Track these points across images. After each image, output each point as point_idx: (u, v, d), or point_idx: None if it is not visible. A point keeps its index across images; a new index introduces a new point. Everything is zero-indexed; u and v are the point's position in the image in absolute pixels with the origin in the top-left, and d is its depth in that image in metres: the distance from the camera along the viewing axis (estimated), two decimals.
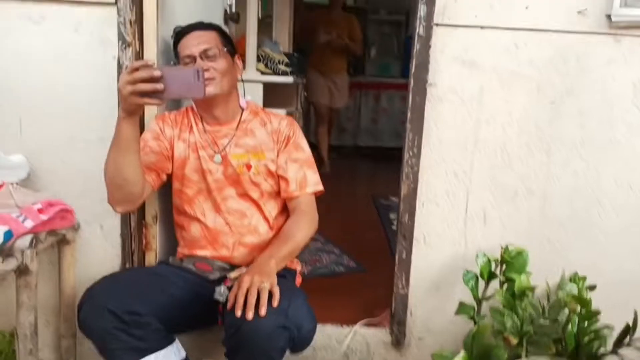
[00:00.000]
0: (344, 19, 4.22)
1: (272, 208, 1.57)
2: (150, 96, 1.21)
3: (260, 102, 2.60)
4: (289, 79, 2.78)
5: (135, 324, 1.29)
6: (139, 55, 1.47)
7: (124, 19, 1.44)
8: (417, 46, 1.51)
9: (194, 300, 1.45)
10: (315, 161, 1.63)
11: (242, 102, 1.60)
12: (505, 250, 1.60)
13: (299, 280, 1.67)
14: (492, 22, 1.53)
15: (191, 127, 1.55)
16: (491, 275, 1.58)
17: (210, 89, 1.43)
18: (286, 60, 2.80)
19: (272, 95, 2.77)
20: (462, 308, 1.58)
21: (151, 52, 1.50)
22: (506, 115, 1.60)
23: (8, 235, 1.23)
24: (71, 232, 1.52)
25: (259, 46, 2.79)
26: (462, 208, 1.67)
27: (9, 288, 1.37)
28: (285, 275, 1.52)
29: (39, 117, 1.52)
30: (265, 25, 3.23)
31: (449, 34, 1.53)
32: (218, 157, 1.52)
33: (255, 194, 1.54)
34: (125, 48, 1.45)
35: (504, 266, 1.59)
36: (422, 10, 1.48)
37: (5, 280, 1.30)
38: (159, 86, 1.20)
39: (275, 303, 1.25)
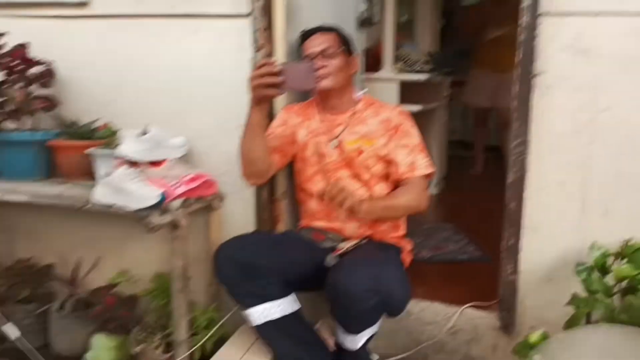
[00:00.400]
0: (516, 14, 3.95)
1: (380, 189, 1.69)
2: (272, 88, 1.46)
3: (396, 99, 2.74)
4: (422, 76, 2.87)
5: (256, 275, 1.52)
6: (270, 55, 1.72)
7: (257, 27, 1.71)
8: (522, 36, 1.51)
9: (307, 262, 1.64)
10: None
11: (358, 95, 1.77)
12: (626, 244, 1.50)
13: (407, 258, 1.77)
14: (609, 8, 1.45)
15: (312, 116, 1.75)
16: (605, 269, 1.49)
17: (325, 82, 1.63)
18: (425, 59, 2.89)
19: (411, 93, 2.88)
20: (573, 300, 1.52)
21: (280, 53, 1.74)
22: (630, 102, 1.49)
23: (163, 196, 1.58)
24: (216, 200, 1.83)
25: (398, 47, 2.93)
26: (578, 199, 1.59)
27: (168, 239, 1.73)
28: (383, 247, 1.65)
29: (196, 108, 1.86)
30: (406, 27, 3.35)
31: (558, 23, 1.49)
32: (334, 142, 1.69)
33: (365, 176, 1.68)
34: (258, 51, 1.72)
35: (623, 261, 1.49)
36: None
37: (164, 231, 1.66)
38: (279, 79, 1.44)
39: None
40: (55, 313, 1.92)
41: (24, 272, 1.98)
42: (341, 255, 1.61)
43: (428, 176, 1.67)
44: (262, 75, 1.45)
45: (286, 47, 1.76)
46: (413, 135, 1.69)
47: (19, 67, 1.73)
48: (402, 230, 1.79)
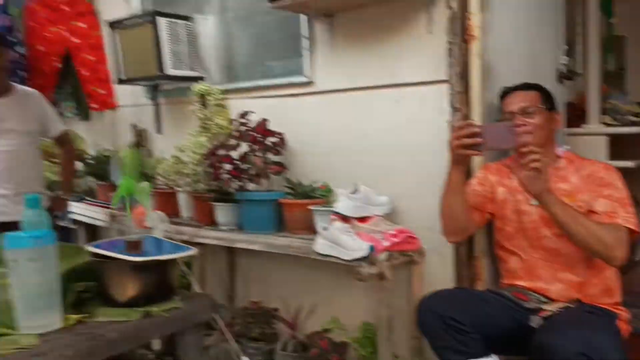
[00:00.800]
0: None
1: None
2: (472, 148, 1.55)
3: (604, 154, 2.55)
4: (636, 129, 2.63)
5: (457, 330, 1.54)
6: (467, 117, 1.81)
7: (454, 91, 1.82)
8: None
9: (509, 322, 1.61)
10: None
11: (559, 151, 1.73)
12: None
13: (623, 326, 1.61)
14: None
15: (511, 174, 1.77)
16: None
17: (524, 141, 1.64)
18: (638, 110, 2.65)
19: (623, 148, 2.65)
20: None
21: (476, 114, 1.82)
22: None
23: (371, 248, 1.74)
24: (417, 255, 1.94)
25: (606, 99, 2.75)
26: None
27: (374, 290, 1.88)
28: (594, 312, 1.54)
29: (399, 168, 2.01)
30: (615, 76, 3.11)
31: None
32: (534, 201, 1.68)
33: None
34: (455, 113, 1.82)
35: None
36: None
37: (369, 283, 1.81)
38: (478, 140, 1.52)
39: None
40: (279, 352, 2.18)
41: (255, 314, 2.31)
42: (547, 318, 1.56)
43: (630, 232, 1.53)
44: (462, 137, 1.54)
45: (482, 108, 1.83)
46: (617, 188, 1.59)
47: (260, 139, 2.13)
48: (616, 297, 1.65)
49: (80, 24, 2.98)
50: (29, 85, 2.83)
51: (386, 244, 1.79)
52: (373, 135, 2.08)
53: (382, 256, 1.77)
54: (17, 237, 1.26)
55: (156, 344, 2.58)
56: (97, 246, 1.48)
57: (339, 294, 2.20)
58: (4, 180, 2.40)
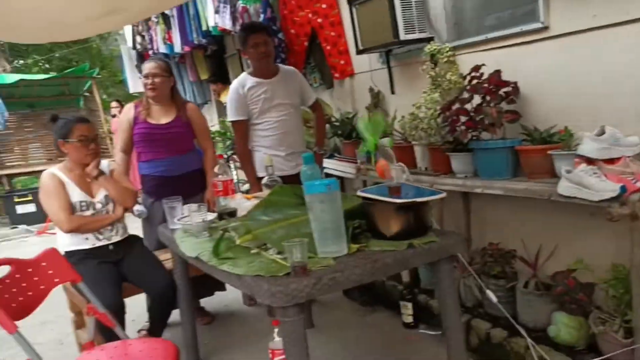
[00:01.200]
0: None
1: None
2: None
3: None
4: None
5: None
6: None
7: None
8: None
9: None
10: None
11: None
12: None
13: None
14: None
15: None
16: None
17: None
18: None
19: None
20: None
21: None
22: None
23: (623, 189, 1.65)
24: None
25: None
26: None
27: (624, 231, 1.78)
28: None
29: None
30: None
31: None
32: None
33: None
34: None
35: None
36: None
37: (620, 223, 1.71)
38: None
39: None
40: (521, 289, 2.23)
41: (494, 254, 2.38)
42: None
43: None
44: None
45: None
46: None
47: (493, 90, 2.15)
48: None
49: (322, 5, 3.33)
50: (287, 64, 3.33)
51: (639, 184, 1.68)
52: (619, 74, 1.90)
53: (636, 196, 1.66)
54: (313, 185, 1.59)
55: (404, 276, 2.89)
56: (366, 191, 1.76)
57: (581, 236, 2.12)
58: (279, 144, 2.93)
